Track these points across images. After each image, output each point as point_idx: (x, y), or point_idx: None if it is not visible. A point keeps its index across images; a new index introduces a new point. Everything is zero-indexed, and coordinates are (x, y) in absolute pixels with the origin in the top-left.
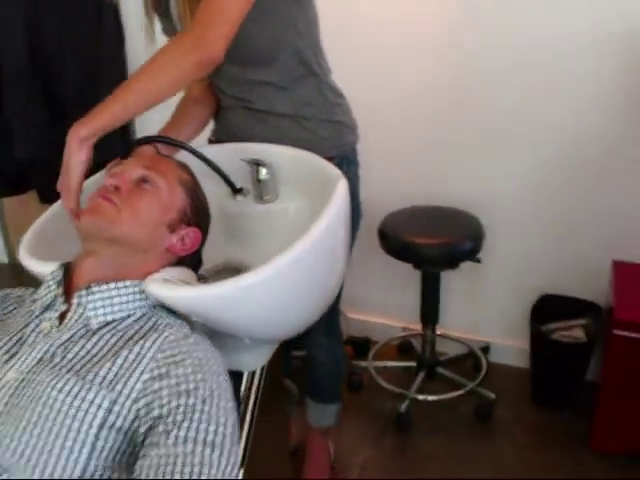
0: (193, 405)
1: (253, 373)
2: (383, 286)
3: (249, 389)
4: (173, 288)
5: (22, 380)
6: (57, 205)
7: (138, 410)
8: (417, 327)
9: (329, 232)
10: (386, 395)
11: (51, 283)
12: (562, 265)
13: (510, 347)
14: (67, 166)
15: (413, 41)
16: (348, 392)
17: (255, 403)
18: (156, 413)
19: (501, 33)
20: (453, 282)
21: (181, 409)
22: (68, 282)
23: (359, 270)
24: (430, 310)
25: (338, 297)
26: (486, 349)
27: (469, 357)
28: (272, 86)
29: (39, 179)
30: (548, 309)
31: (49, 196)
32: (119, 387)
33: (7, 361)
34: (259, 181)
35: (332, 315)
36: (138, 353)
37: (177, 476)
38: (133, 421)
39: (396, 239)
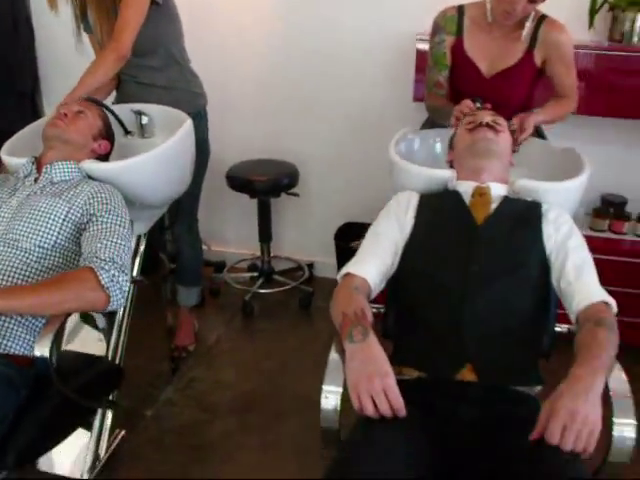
0: (108, 210)
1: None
2: (234, 221)
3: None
4: (93, 164)
5: (20, 203)
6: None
7: (83, 211)
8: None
9: (178, 144)
10: (236, 295)
11: (28, 163)
12: (358, 200)
13: (327, 263)
14: None
15: (254, 38)
16: (209, 296)
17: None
18: (92, 211)
19: (313, 33)
20: (284, 215)
21: (104, 210)
22: (37, 164)
23: (217, 212)
24: (264, 230)
25: (195, 208)
26: (311, 265)
27: (298, 270)
28: (153, 69)
29: None
30: (349, 233)
31: None
32: (73, 200)
33: (10, 197)
34: (142, 125)
35: (192, 218)
36: (82, 189)
37: (103, 235)
38: (81, 216)
39: (238, 178)
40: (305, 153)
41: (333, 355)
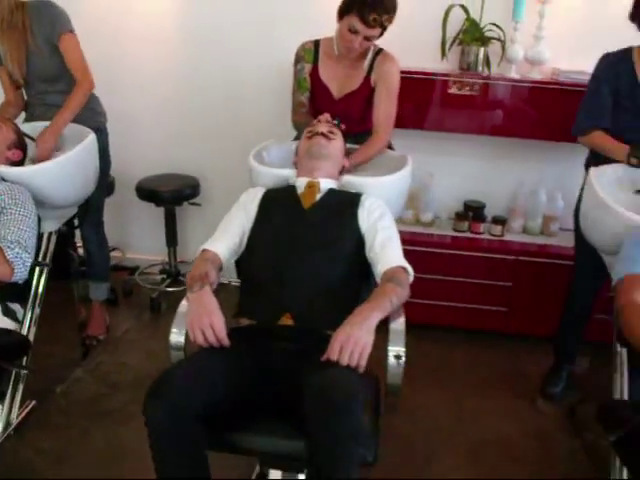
0: (16, 204)
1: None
2: (146, 230)
3: (47, 247)
4: (7, 169)
5: None
6: None
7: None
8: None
9: (79, 154)
10: (146, 295)
11: None
12: None
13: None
14: None
15: (162, 68)
16: (123, 296)
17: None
18: (3, 205)
19: (213, 61)
20: (188, 223)
21: (12, 204)
22: None
23: (130, 222)
24: (171, 236)
25: (100, 212)
26: None
27: None
28: (59, 92)
29: None
30: None
31: None
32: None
33: None
34: None
35: (98, 221)
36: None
37: (11, 223)
38: None
39: (145, 189)
40: (206, 167)
41: (182, 306)
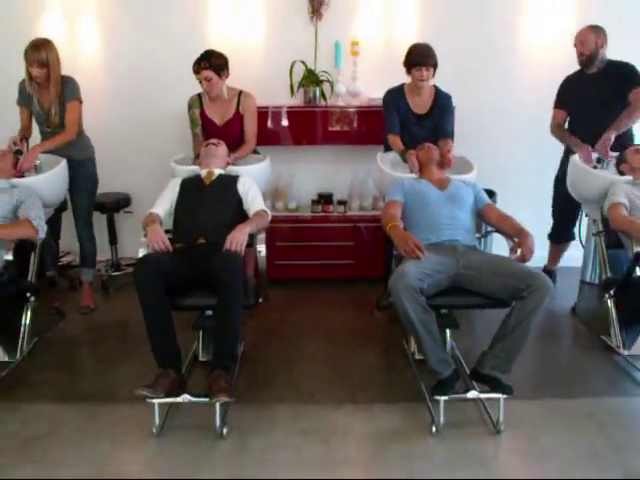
0: (28, 197)
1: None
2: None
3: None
4: (16, 180)
5: None
6: None
7: (17, 201)
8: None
9: (54, 174)
10: (100, 280)
11: None
12: None
13: None
14: None
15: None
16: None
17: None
18: (22, 199)
19: (145, 98)
20: (125, 227)
21: (26, 197)
22: None
23: None
24: (112, 235)
25: (90, 215)
26: None
27: None
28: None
29: None
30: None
31: None
32: (16, 193)
33: None
34: (36, 167)
35: (89, 222)
36: (14, 190)
37: (29, 207)
38: (16, 202)
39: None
40: (136, 184)
41: (142, 239)
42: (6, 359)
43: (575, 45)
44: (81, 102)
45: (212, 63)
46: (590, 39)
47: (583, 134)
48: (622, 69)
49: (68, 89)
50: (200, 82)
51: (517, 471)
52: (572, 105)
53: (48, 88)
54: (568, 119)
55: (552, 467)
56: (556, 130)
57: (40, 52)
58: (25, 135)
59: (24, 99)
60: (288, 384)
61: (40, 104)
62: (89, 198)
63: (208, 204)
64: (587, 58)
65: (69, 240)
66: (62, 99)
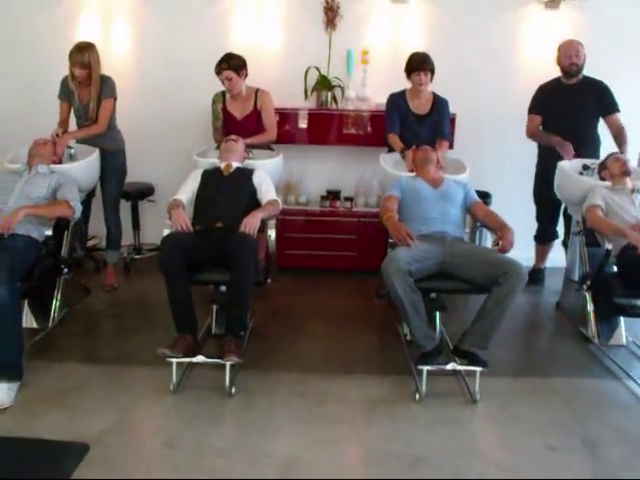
0: (67, 182)
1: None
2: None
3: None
4: (55, 166)
5: (25, 182)
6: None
7: (56, 184)
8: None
9: (89, 162)
10: (124, 261)
11: (23, 165)
12: None
13: None
14: None
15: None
16: (103, 265)
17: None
18: (61, 181)
19: (165, 98)
20: (148, 215)
21: (64, 181)
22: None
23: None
24: (135, 221)
25: (118, 201)
26: None
27: (158, 249)
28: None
29: None
30: None
31: None
32: (52, 179)
33: (15, 181)
34: (71, 155)
35: (116, 208)
36: (53, 175)
37: (67, 190)
38: (55, 184)
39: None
40: (160, 175)
41: (167, 221)
42: (35, 326)
43: (567, 55)
44: (115, 99)
45: (231, 64)
46: (582, 51)
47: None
48: (599, 87)
49: (106, 88)
50: (222, 82)
51: (487, 431)
52: (550, 112)
53: (89, 86)
54: (541, 125)
55: (517, 430)
56: (536, 133)
57: (83, 54)
58: (64, 128)
59: (65, 94)
60: (291, 356)
61: (80, 100)
62: (118, 186)
63: (226, 193)
64: (578, 68)
65: (95, 225)
66: (100, 96)
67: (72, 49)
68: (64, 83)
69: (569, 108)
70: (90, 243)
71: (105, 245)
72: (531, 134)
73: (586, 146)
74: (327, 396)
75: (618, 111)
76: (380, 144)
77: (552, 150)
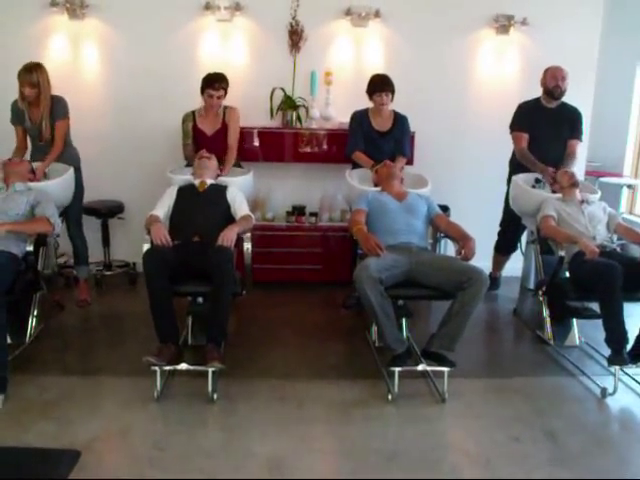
0: (46, 199)
1: None
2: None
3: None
4: (33, 184)
5: (3, 200)
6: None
7: (34, 201)
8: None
9: (64, 180)
10: (91, 278)
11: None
12: None
13: None
14: None
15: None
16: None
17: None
18: (39, 199)
19: (136, 117)
20: (117, 232)
21: (42, 198)
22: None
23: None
24: (105, 238)
25: (80, 216)
26: (135, 263)
27: (126, 265)
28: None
29: None
30: None
31: None
32: (29, 196)
33: None
34: (45, 174)
35: (79, 223)
36: (30, 193)
37: (45, 206)
38: (33, 201)
39: (89, 208)
40: (129, 193)
41: (146, 237)
42: (10, 342)
43: (553, 77)
44: (68, 119)
45: (224, 85)
46: (567, 80)
47: (536, 158)
48: (575, 114)
49: (59, 108)
50: (209, 97)
51: (456, 426)
52: (531, 132)
53: (39, 106)
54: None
55: (484, 424)
56: (526, 155)
57: (32, 74)
58: (21, 154)
59: (17, 117)
60: (268, 364)
61: (32, 120)
62: (79, 202)
63: (202, 208)
64: (561, 92)
65: (61, 242)
66: (52, 116)
67: (20, 70)
68: (13, 107)
69: (549, 130)
70: (60, 260)
71: (74, 261)
72: (523, 154)
73: (560, 167)
74: (306, 400)
75: (580, 140)
76: (343, 161)
77: (524, 168)
